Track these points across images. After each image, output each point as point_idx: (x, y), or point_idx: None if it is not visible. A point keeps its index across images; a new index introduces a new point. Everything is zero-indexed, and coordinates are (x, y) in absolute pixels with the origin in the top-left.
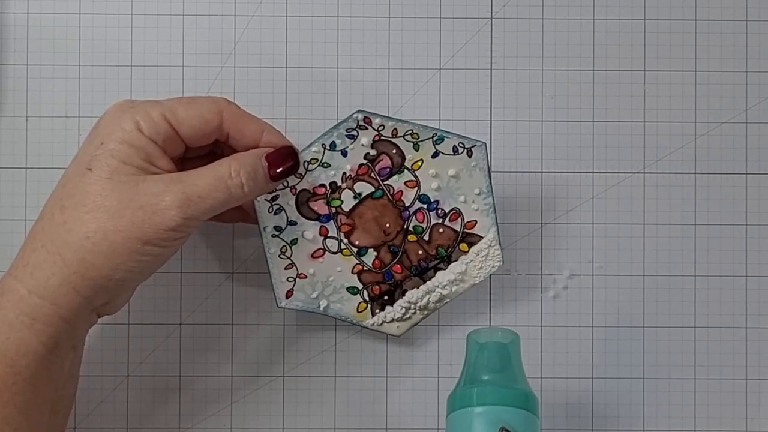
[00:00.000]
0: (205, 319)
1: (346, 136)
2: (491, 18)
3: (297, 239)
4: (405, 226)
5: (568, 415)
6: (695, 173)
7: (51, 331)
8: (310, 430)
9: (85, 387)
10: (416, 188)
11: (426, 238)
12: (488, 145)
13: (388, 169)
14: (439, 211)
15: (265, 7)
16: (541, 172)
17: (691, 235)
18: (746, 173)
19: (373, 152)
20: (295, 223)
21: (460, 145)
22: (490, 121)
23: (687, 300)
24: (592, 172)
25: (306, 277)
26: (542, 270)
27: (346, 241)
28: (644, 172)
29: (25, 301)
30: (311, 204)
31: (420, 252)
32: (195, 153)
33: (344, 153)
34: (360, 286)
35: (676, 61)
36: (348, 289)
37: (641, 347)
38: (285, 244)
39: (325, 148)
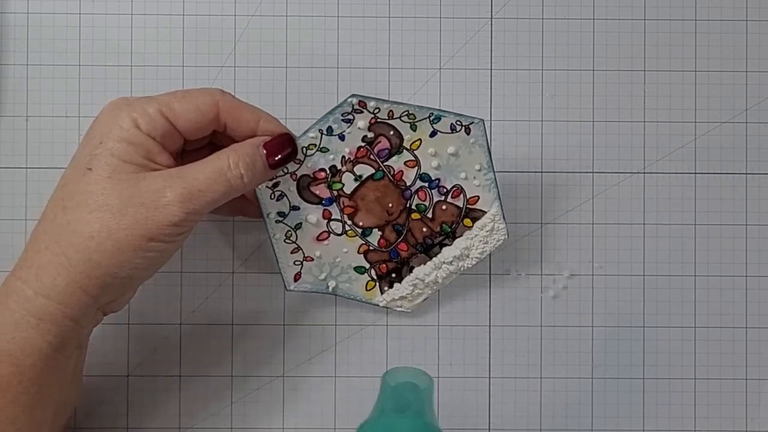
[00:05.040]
0: (205, 319)
1: (342, 120)
2: (491, 18)
3: (301, 223)
4: (408, 205)
5: (568, 415)
6: (695, 173)
7: (57, 331)
8: (310, 430)
9: (85, 387)
10: (416, 167)
11: (429, 215)
12: (486, 122)
13: (386, 151)
14: (441, 189)
15: (265, 7)
16: (541, 172)
17: (691, 235)
18: (746, 173)
19: (370, 135)
20: (298, 208)
21: (458, 123)
22: (490, 121)
23: (687, 300)
24: (592, 172)
25: (313, 259)
26: (542, 270)
27: (350, 222)
28: (644, 172)
29: (32, 301)
30: (312, 188)
31: (424, 229)
32: (194, 146)
33: (342, 137)
34: (367, 266)
35: (676, 61)
36: (355, 268)
37: (641, 347)
38: (289, 228)
39: (322, 133)
